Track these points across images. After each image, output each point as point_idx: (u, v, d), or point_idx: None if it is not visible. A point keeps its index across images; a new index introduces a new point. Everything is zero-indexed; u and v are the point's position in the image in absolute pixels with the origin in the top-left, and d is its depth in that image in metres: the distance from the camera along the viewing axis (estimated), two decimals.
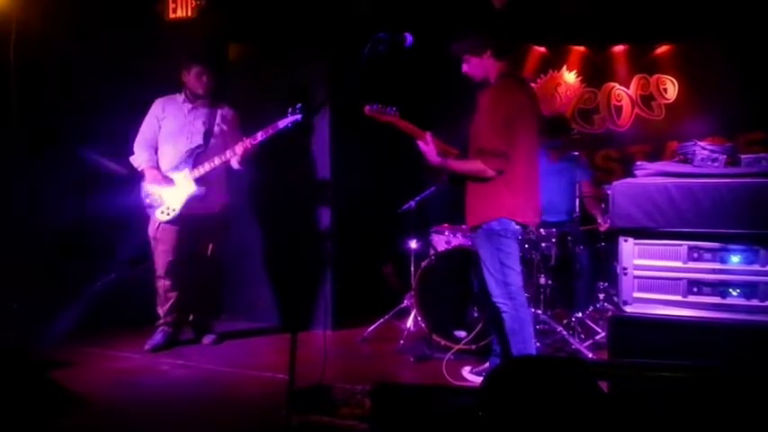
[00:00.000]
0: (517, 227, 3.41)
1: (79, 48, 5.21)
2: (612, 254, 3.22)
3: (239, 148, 4.35)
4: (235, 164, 4.44)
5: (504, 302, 3.42)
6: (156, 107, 4.62)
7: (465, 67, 3.55)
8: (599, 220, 4.81)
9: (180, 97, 4.62)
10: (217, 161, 4.44)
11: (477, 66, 3.50)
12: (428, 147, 3.47)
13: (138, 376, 4.04)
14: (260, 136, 4.31)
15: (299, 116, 4.18)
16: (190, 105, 4.59)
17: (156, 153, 4.57)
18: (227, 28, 5.52)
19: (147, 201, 4.52)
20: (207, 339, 4.74)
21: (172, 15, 5.56)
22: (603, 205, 4.76)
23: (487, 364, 3.92)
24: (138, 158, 4.55)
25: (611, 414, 1.65)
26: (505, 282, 3.40)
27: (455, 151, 3.62)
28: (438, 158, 3.45)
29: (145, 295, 4.78)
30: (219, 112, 4.64)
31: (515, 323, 3.43)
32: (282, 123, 4.22)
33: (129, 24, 5.41)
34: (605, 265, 4.73)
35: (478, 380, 3.85)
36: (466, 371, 3.99)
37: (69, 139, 5.12)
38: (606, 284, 4.79)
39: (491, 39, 3.48)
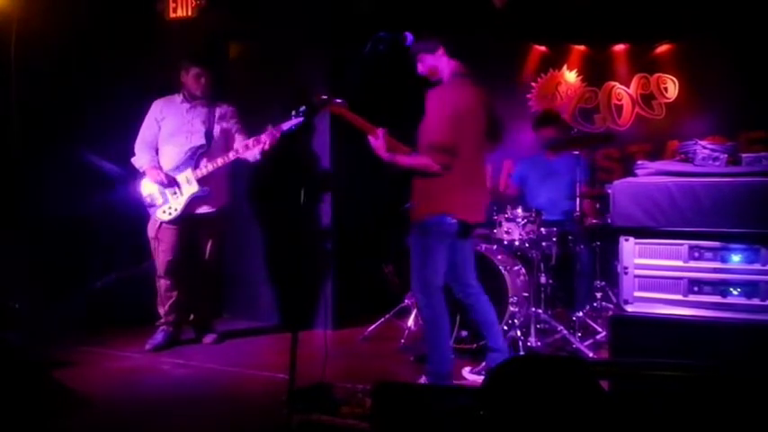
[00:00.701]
0: (453, 221, 3.44)
1: (79, 47, 5.21)
2: (613, 253, 3.22)
3: (265, 139, 4.30)
4: (254, 156, 4.42)
5: (421, 299, 3.53)
6: (155, 108, 4.61)
7: (420, 67, 3.58)
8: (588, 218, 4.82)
9: (178, 98, 4.62)
10: (220, 161, 4.44)
11: (431, 64, 3.52)
12: (378, 142, 3.48)
13: (139, 376, 4.04)
14: (285, 126, 4.27)
15: (301, 119, 4.17)
16: (188, 105, 4.60)
17: (156, 154, 4.57)
18: (227, 27, 5.52)
19: (148, 200, 4.52)
20: (207, 339, 4.74)
21: (172, 15, 5.56)
22: (598, 205, 4.76)
23: (485, 363, 3.92)
24: (140, 160, 4.55)
25: (611, 413, 1.65)
26: (425, 279, 3.47)
27: (407, 149, 3.63)
28: (387, 154, 3.47)
29: (145, 295, 4.79)
30: (218, 110, 4.64)
31: (430, 324, 3.52)
32: (286, 126, 4.22)
33: (130, 24, 5.41)
34: (606, 265, 4.72)
35: (479, 379, 3.86)
36: (466, 371, 3.99)
37: (69, 138, 5.11)
38: (604, 283, 4.78)
39: (443, 37, 3.50)
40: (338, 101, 3.59)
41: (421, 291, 3.51)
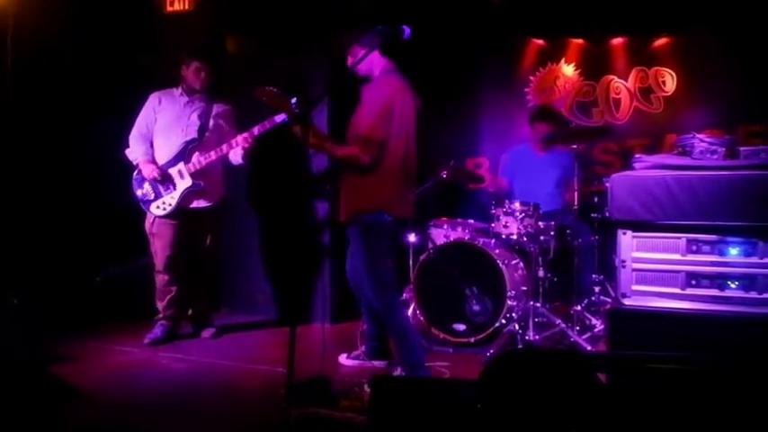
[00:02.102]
0: (389, 218, 3.46)
1: (76, 41, 5.19)
2: (611, 247, 3.22)
3: (241, 141, 4.32)
4: (237, 158, 4.40)
5: (377, 298, 3.52)
6: (153, 100, 4.60)
7: (350, 60, 3.58)
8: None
9: (177, 91, 4.61)
10: (213, 155, 4.42)
11: (366, 60, 3.49)
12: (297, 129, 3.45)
13: (138, 370, 4.04)
14: (256, 130, 4.29)
15: (295, 110, 4.16)
16: (186, 99, 4.58)
17: (151, 146, 4.56)
18: (225, 21, 5.50)
19: (140, 194, 4.51)
20: (206, 333, 4.74)
21: (169, 8, 5.55)
22: (596, 199, 4.75)
23: (363, 348, 4.01)
24: (135, 152, 4.53)
25: (609, 405, 1.65)
26: (377, 276, 3.48)
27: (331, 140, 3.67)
28: (313, 139, 3.42)
29: (144, 290, 4.79)
30: (215, 107, 4.63)
31: (387, 318, 3.55)
32: (279, 118, 4.20)
33: (127, 17, 5.40)
34: (604, 258, 4.72)
35: (354, 363, 3.97)
36: (342, 357, 4.05)
37: (66, 132, 5.11)
38: (602, 277, 4.79)
39: (377, 32, 3.45)
40: (267, 89, 3.56)
41: (373, 287, 3.51)
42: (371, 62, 3.53)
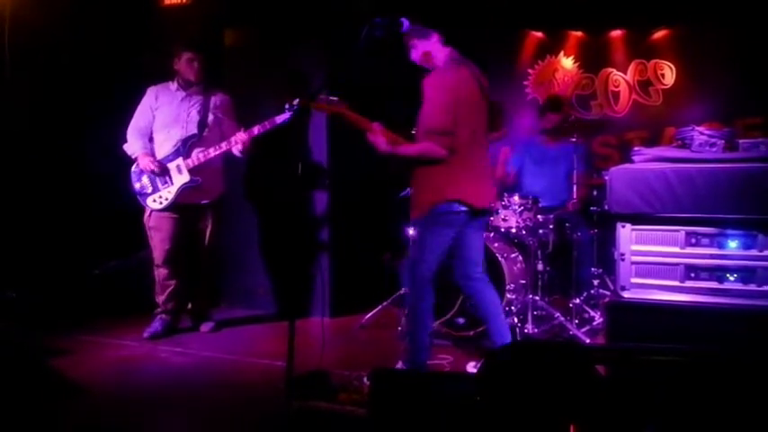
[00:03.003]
0: (463, 208, 3.35)
1: (73, 34, 5.17)
2: (610, 240, 3.21)
3: (240, 139, 4.31)
4: (236, 152, 4.42)
5: (409, 286, 3.49)
6: (149, 96, 4.58)
7: (413, 54, 3.52)
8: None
9: (173, 85, 4.59)
10: (212, 152, 4.41)
11: (425, 51, 3.46)
12: (377, 137, 3.40)
13: (137, 364, 4.04)
14: (257, 130, 4.28)
15: (291, 114, 4.13)
16: (183, 93, 4.57)
17: (150, 141, 4.55)
18: (223, 13, 5.48)
19: (137, 187, 4.50)
20: (205, 327, 4.74)
21: (167, 1, 5.52)
22: (595, 192, 4.75)
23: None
24: (132, 146, 4.52)
25: (608, 398, 1.65)
26: (418, 269, 3.40)
27: (404, 140, 3.56)
28: (388, 146, 3.38)
29: (143, 284, 4.79)
30: (213, 99, 4.61)
31: (412, 312, 3.48)
32: (280, 119, 4.19)
33: (125, 10, 5.38)
34: (603, 252, 4.73)
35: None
36: (470, 366, 3.89)
37: (63, 125, 5.09)
38: (601, 270, 4.79)
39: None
40: (334, 99, 3.51)
41: (411, 279, 3.46)
42: (433, 52, 3.46)
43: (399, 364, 3.60)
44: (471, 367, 3.89)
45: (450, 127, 3.28)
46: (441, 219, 3.35)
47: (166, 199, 4.46)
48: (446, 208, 3.33)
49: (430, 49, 3.46)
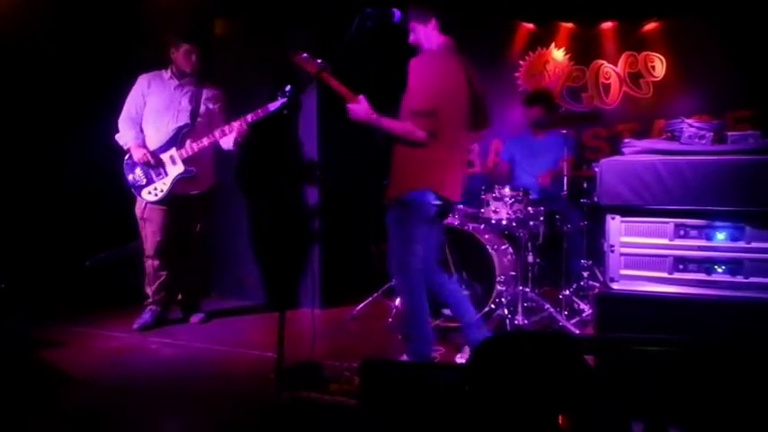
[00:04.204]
0: (437, 201, 3.34)
1: (63, 25, 5.13)
2: (600, 232, 3.23)
3: (235, 128, 4.29)
4: (228, 145, 4.39)
5: (399, 281, 3.45)
6: (142, 83, 4.54)
7: (412, 37, 3.47)
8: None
9: (166, 74, 4.56)
10: (205, 141, 4.39)
11: (422, 35, 3.43)
12: (359, 105, 3.32)
13: (127, 355, 4.04)
14: (250, 118, 4.27)
15: (286, 99, 4.12)
16: (176, 82, 4.54)
17: (141, 131, 4.52)
18: (213, 3, 5.44)
19: (131, 179, 4.48)
20: (195, 318, 4.74)
21: None
22: (585, 185, 4.77)
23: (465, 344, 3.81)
24: (125, 136, 4.49)
25: (597, 388, 1.67)
26: (405, 261, 3.36)
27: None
28: (371, 115, 3.28)
29: (133, 275, 4.78)
30: (206, 90, 4.59)
31: (408, 302, 3.47)
32: (273, 106, 4.18)
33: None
34: (593, 244, 4.75)
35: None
36: (458, 357, 3.90)
37: (55, 117, 5.06)
38: (590, 262, 4.81)
39: (437, 9, 3.40)
40: (320, 62, 3.40)
41: (400, 272, 3.42)
42: (430, 38, 3.42)
43: (404, 358, 3.58)
44: (459, 358, 3.91)
45: (432, 109, 3.24)
46: (415, 207, 3.32)
47: (162, 191, 4.44)
48: (421, 197, 3.32)
49: (428, 34, 3.42)
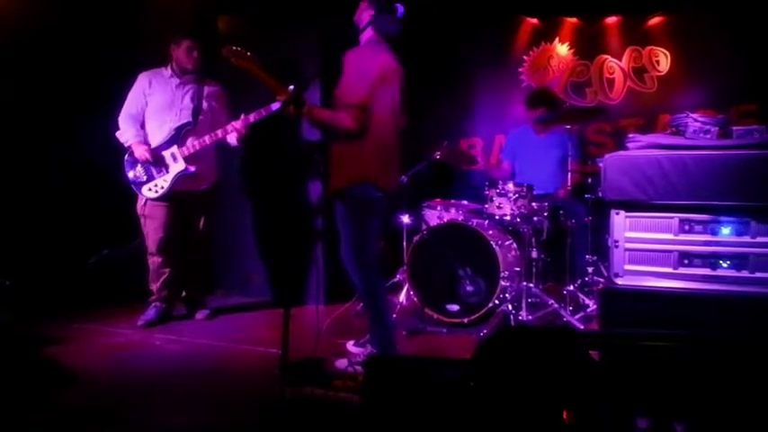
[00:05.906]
0: (378, 193, 3.38)
1: (63, 21, 5.12)
2: (604, 227, 3.22)
3: (237, 126, 4.30)
4: (233, 141, 4.40)
5: (354, 273, 3.43)
6: (142, 81, 4.54)
7: (356, 14, 3.53)
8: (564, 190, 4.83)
9: (166, 71, 4.56)
10: (207, 140, 4.40)
11: (359, 14, 3.47)
12: (290, 97, 3.29)
13: (131, 352, 4.04)
14: (252, 117, 4.28)
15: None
16: (177, 80, 4.54)
17: (142, 128, 4.52)
18: (216, 0, 5.44)
19: (132, 176, 4.48)
20: (200, 315, 4.75)
21: None
22: (590, 180, 4.76)
23: (368, 336, 3.74)
24: (126, 134, 4.49)
25: (601, 383, 1.66)
26: (359, 253, 3.39)
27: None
28: (301, 103, 3.23)
29: (137, 272, 4.78)
30: (207, 88, 4.59)
31: (367, 296, 3.48)
32: (275, 106, 4.18)
33: None
34: (597, 239, 4.74)
35: (362, 351, 3.74)
36: (350, 344, 3.90)
37: (57, 116, 5.06)
38: (595, 258, 4.80)
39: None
40: (249, 54, 3.44)
41: (354, 265, 3.42)
42: (362, 20, 3.46)
43: (368, 348, 3.57)
44: (350, 346, 3.88)
45: (366, 102, 3.28)
46: (361, 199, 3.36)
47: (162, 188, 4.44)
48: (364, 189, 3.35)
49: (362, 16, 3.47)
